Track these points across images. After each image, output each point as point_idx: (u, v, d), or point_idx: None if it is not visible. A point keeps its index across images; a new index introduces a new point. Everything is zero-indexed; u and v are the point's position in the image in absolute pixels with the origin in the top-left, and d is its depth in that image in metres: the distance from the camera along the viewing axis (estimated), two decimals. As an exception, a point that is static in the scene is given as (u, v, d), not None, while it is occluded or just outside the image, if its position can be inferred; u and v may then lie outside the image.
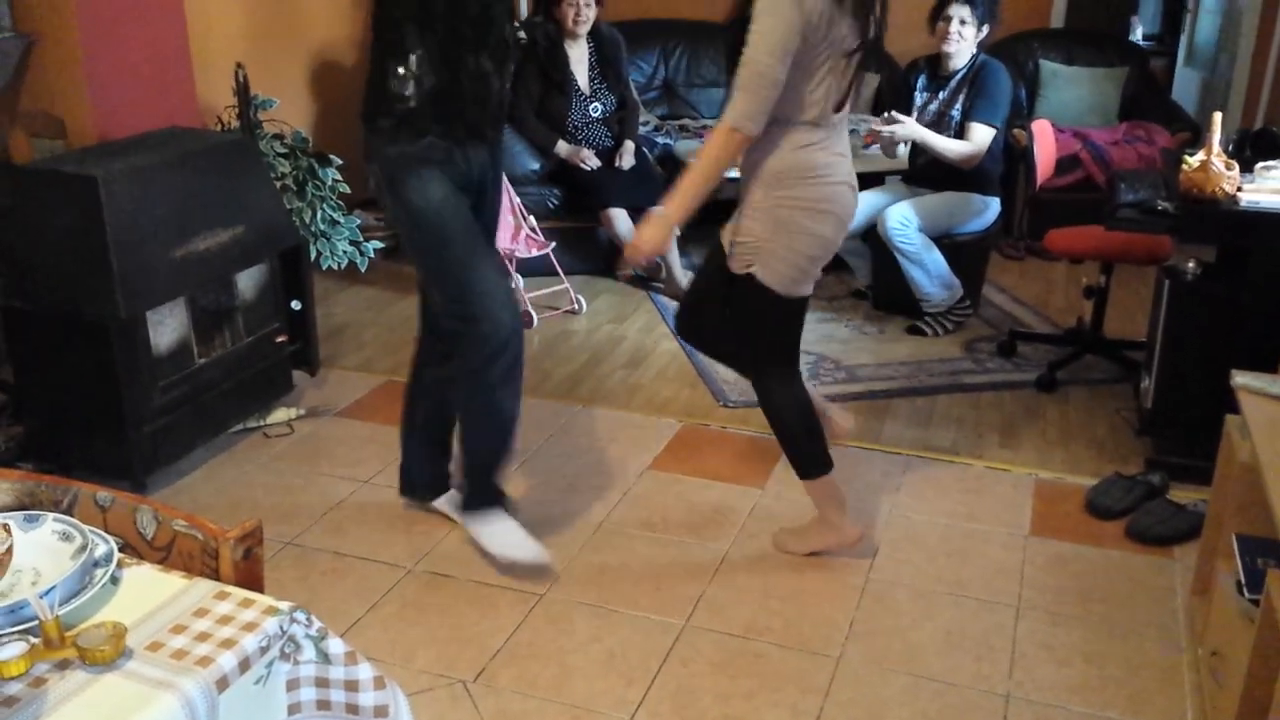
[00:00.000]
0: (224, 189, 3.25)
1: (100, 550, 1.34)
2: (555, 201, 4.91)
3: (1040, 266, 5.16)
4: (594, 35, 4.82)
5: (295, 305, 3.60)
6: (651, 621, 2.62)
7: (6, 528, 1.31)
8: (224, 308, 3.31)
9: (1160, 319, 3.36)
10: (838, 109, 2.54)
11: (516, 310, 2.65)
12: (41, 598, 1.21)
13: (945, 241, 4.31)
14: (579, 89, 4.86)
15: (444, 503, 2.98)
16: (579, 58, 4.83)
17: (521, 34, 5.63)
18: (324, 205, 4.30)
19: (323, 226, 4.33)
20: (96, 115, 3.37)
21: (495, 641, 2.53)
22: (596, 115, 4.90)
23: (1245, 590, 2.21)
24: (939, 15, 4.20)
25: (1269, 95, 5.66)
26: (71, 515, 1.45)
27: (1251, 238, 3.07)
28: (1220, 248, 3.43)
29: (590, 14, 4.71)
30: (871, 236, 4.42)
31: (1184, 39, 7.37)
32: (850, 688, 2.40)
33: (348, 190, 4.41)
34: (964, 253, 4.37)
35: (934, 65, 4.34)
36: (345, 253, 4.47)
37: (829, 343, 4.26)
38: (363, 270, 4.62)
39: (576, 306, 4.60)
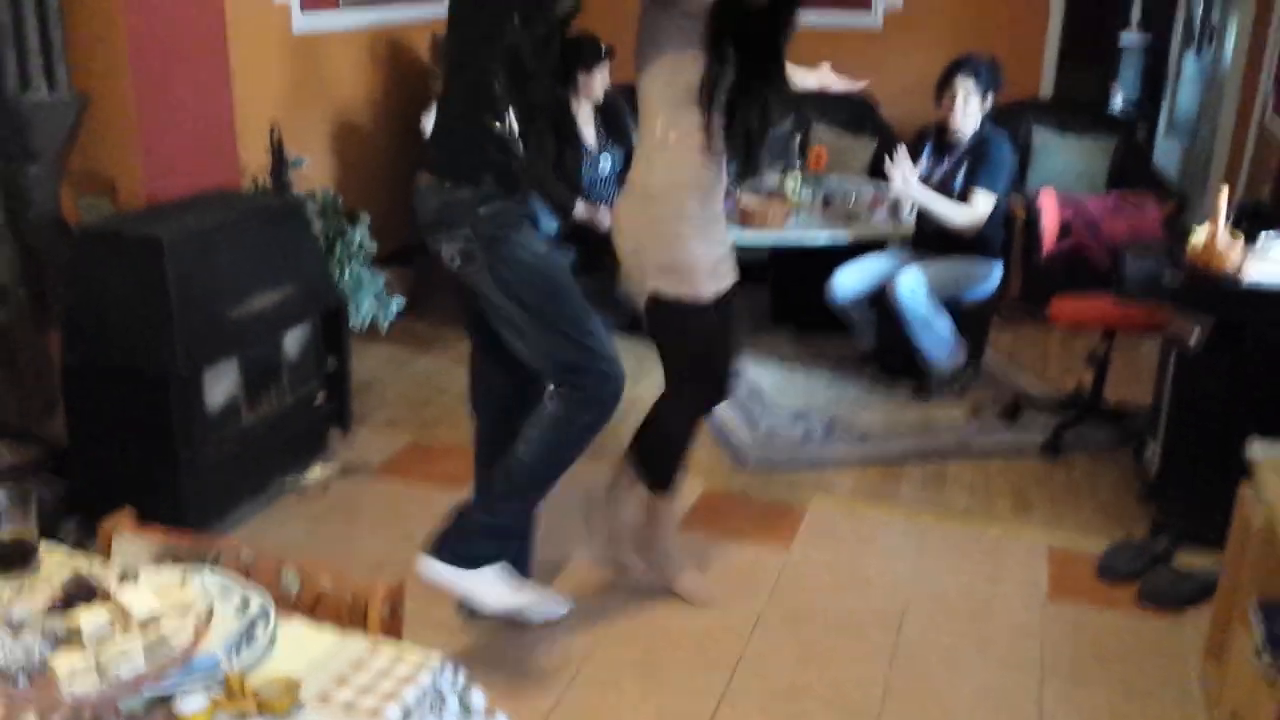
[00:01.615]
0: (273, 250, 3.36)
1: (256, 605, 1.44)
2: (572, 260, 5.04)
3: (1036, 330, 5.35)
4: (596, 96, 5.02)
5: (331, 363, 3.70)
6: (697, 681, 2.72)
7: (203, 616, 1.39)
8: (271, 366, 3.40)
9: (1166, 386, 3.53)
10: None
11: (623, 366, 2.64)
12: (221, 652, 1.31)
13: (950, 306, 4.48)
14: (587, 147, 5.03)
15: None
16: (585, 118, 5.01)
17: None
18: (352, 263, 4.40)
19: (350, 285, 4.43)
20: (147, 176, 3.47)
21: (546, 702, 2.62)
22: (606, 172, 5.06)
23: (1263, 654, 2.35)
24: (945, 87, 4.39)
25: (1249, 166, 5.91)
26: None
27: (1256, 311, 3.25)
28: (1221, 319, 3.61)
29: (606, 83, 4.90)
30: (875, 301, 4.58)
31: (1165, 108, 7.67)
32: (893, 745, 2.51)
33: (374, 248, 4.52)
34: (968, 317, 4.54)
35: (940, 134, 4.53)
36: (369, 311, 4.57)
37: (840, 405, 4.41)
38: (385, 328, 4.73)
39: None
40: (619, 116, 5.10)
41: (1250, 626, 2.44)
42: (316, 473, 3.62)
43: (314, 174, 4.60)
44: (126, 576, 1.39)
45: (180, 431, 3.00)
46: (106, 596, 1.32)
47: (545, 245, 2.56)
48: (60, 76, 3.35)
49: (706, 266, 2.83)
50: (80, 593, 1.33)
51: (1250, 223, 3.70)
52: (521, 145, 2.46)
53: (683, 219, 2.78)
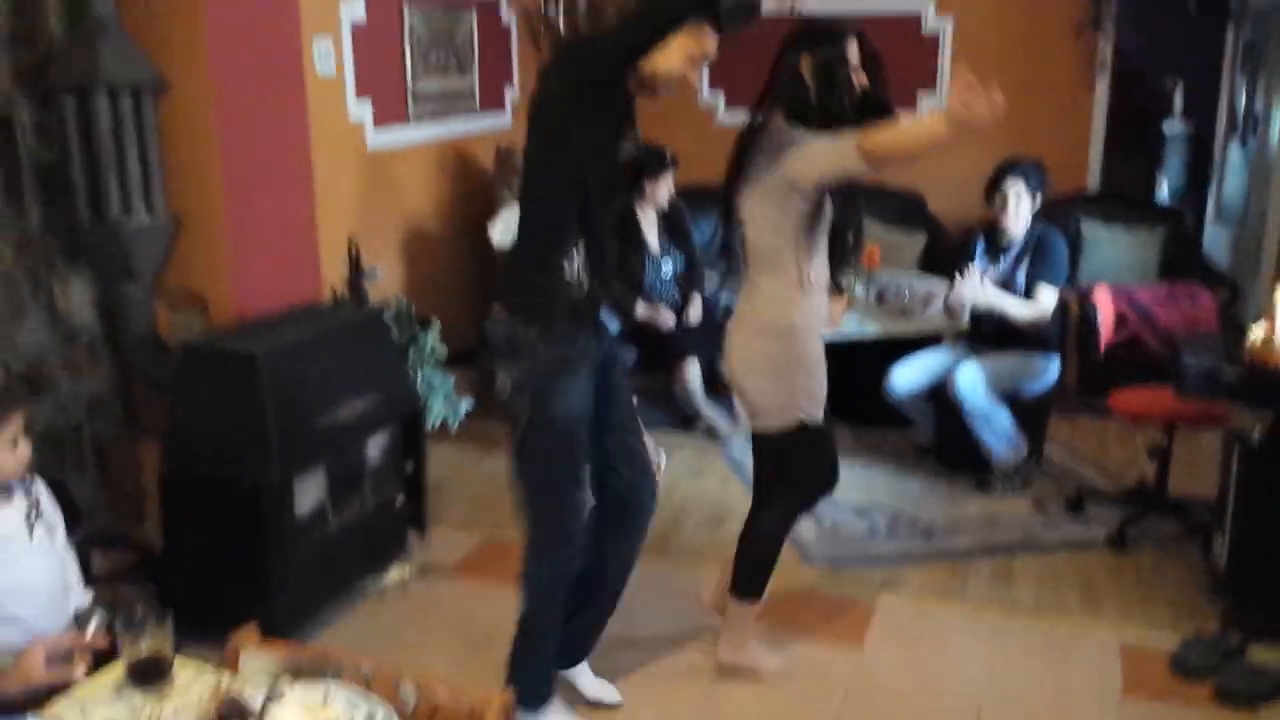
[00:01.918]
0: (357, 360, 3.52)
1: (381, 717, 1.54)
2: (633, 359, 5.18)
3: (1095, 422, 5.37)
4: (660, 202, 5.21)
5: (410, 467, 3.83)
6: (778, 782, 2.76)
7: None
8: (355, 473, 3.54)
9: (1230, 482, 3.56)
10: None
11: (582, 542, 2.82)
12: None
13: (1009, 399, 4.54)
14: (650, 251, 5.20)
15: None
16: (649, 222, 5.21)
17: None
18: (424, 368, 4.55)
19: (422, 388, 4.58)
20: (237, 292, 3.65)
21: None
22: (668, 275, 5.23)
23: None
24: (996, 189, 4.51)
25: (1301, 255, 5.96)
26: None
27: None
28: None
29: (671, 189, 5.10)
30: (932, 394, 4.66)
31: (1211, 196, 7.73)
32: None
33: (444, 352, 4.67)
34: (1027, 410, 4.60)
35: (990, 235, 4.64)
36: (439, 412, 4.71)
37: (902, 499, 4.46)
38: (453, 429, 4.86)
39: (659, 461, 4.82)
40: (682, 222, 5.30)
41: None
42: (395, 574, 3.72)
43: (387, 283, 4.79)
44: (274, 696, 1.49)
45: (271, 539, 3.13)
46: (258, 716, 1.42)
47: (581, 402, 2.68)
48: (157, 200, 3.55)
49: (824, 392, 3.03)
50: (233, 713, 1.43)
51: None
52: (589, 277, 2.62)
53: (821, 355, 3.01)
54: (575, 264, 2.60)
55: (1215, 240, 7.43)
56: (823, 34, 2.91)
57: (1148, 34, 8.15)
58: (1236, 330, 3.60)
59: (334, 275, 4.36)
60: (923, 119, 2.67)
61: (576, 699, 3.06)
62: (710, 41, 2.53)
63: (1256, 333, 3.44)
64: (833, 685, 3.20)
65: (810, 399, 3.02)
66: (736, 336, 3.04)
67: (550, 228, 2.60)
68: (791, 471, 3.12)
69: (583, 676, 3.10)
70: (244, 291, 3.68)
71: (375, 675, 1.71)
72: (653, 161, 5.08)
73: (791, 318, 2.94)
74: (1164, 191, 8.47)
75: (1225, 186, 7.55)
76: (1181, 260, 6.05)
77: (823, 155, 2.78)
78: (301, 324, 3.47)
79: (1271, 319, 3.41)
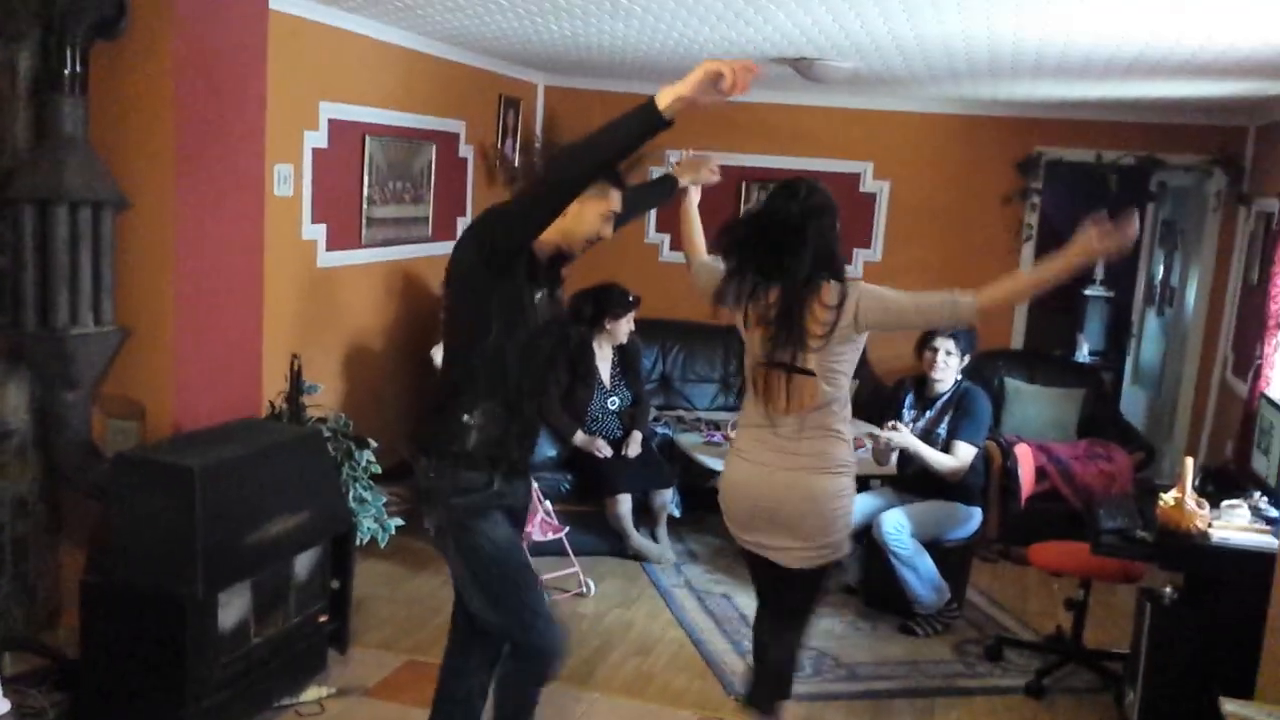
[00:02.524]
0: (294, 477, 3.53)
1: None
2: (567, 486, 5.23)
3: (1014, 571, 5.49)
4: (618, 338, 5.36)
5: (335, 584, 3.80)
6: None
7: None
8: (281, 588, 3.51)
9: (1143, 638, 3.67)
10: None
11: (562, 633, 2.93)
12: None
13: (932, 546, 4.65)
14: (601, 383, 5.33)
15: None
16: (604, 355, 5.35)
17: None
18: (357, 485, 4.56)
19: (353, 505, 4.57)
20: (177, 404, 3.67)
21: None
22: (613, 408, 5.34)
23: None
24: (926, 345, 4.72)
25: (1212, 421, 6.23)
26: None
27: (1223, 569, 3.44)
28: (1191, 575, 3.79)
29: (630, 328, 5.27)
30: (858, 536, 4.75)
31: (1129, 360, 8.09)
32: None
33: (379, 471, 4.68)
34: (950, 557, 4.71)
35: (919, 386, 4.83)
36: (369, 529, 4.69)
37: (827, 639, 4.50)
38: (382, 545, 4.83)
39: (585, 589, 4.83)
40: (635, 360, 5.48)
41: None
42: (312, 693, 3.65)
43: (327, 399, 4.81)
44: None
45: (192, 652, 3.08)
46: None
47: (506, 532, 2.83)
48: (106, 311, 3.55)
49: None
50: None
51: (1216, 485, 3.96)
52: (501, 431, 2.77)
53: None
54: (483, 416, 2.75)
55: (1132, 401, 7.74)
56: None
57: (1071, 207, 8.61)
58: (1150, 492, 3.77)
59: (274, 390, 4.39)
60: (1023, 271, 2.87)
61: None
62: (616, 198, 2.79)
63: (1168, 497, 3.60)
64: (753, 825, 3.18)
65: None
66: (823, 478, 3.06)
67: (462, 381, 2.77)
68: (818, 599, 3.28)
69: None
70: (184, 403, 3.69)
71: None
72: (616, 301, 5.27)
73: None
74: (1084, 353, 8.83)
75: (1143, 352, 7.91)
76: (1100, 419, 6.30)
77: (930, 306, 2.99)
78: (238, 438, 3.48)
79: (1182, 485, 3.58)
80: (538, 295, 2.77)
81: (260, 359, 4.03)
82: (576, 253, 2.84)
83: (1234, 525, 3.57)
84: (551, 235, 2.71)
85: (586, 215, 2.73)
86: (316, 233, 4.94)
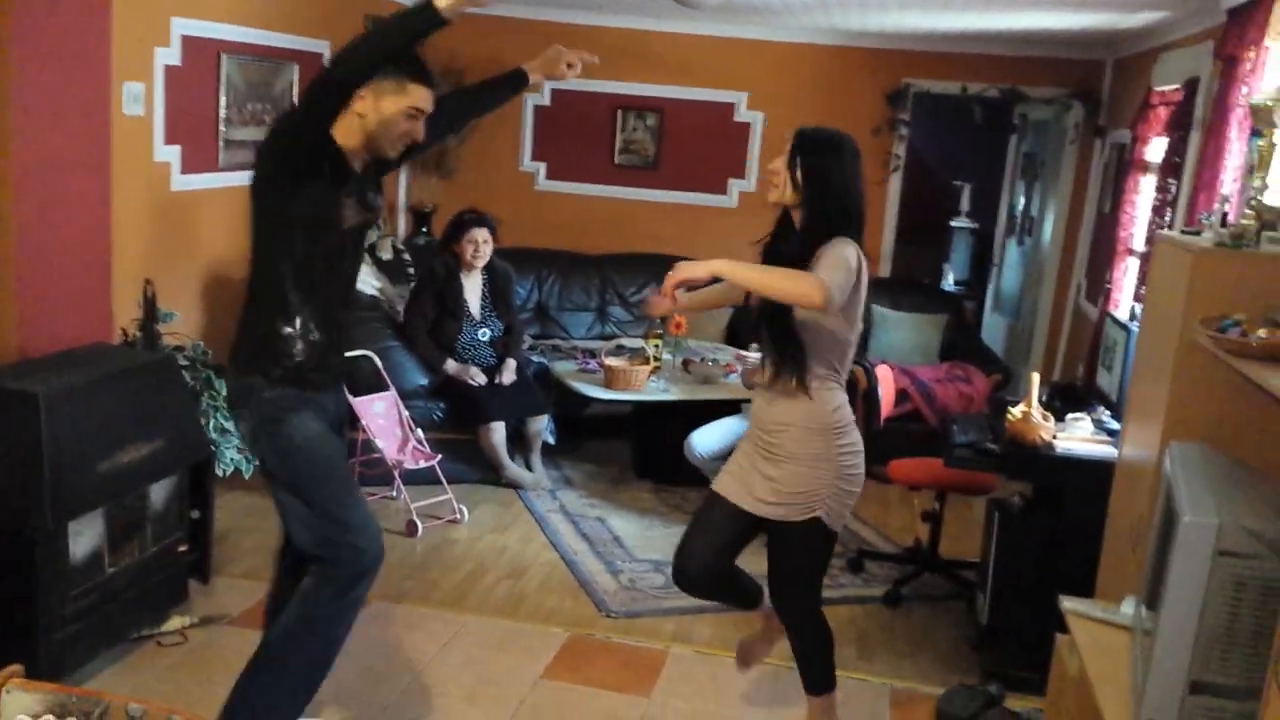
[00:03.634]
0: (146, 405, 3.42)
1: (146, 758, 1.51)
2: (440, 414, 5.19)
3: (876, 488, 5.67)
4: (488, 268, 5.31)
5: (195, 514, 3.71)
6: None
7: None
8: (136, 518, 3.41)
9: (991, 545, 3.85)
10: None
11: (382, 540, 2.83)
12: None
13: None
14: (470, 315, 5.28)
15: None
16: (473, 287, 5.29)
17: (406, 255, 6.04)
18: (217, 414, 4.44)
19: (214, 435, 4.46)
20: (22, 328, 3.50)
21: None
22: (485, 339, 5.30)
23: (1080, 789, 2.57)
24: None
25: (1066, 344, 6.51)
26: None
27: (1066, 478, 3.62)
28: (1038, 484, 3.98)
29: (487, 250, 5.20)
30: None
31: (991, 288, 8.37)
32: None
33: (243, 400, 4.57)
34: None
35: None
36: (233, 460, 4.58)
37: (697, 558, 4.59)
38: (247, 477, 4.73)
39: (459, 516, 4.82)
40: (505, 288, 5.40)
41: (1068, 763, 2.67)
42: (173, 623, 3.58)
43: (183, 327, 4.66)
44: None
45: (42, 584, 2.98)
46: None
47: (320, 428, 2.75)
48: (-63, 227, 3.39)
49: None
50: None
51: (1063, 400, 4.15)
52: (315, 335, 2.72)
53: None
54: (297, 324, 2.70)
55: (993, 327, 8.03)
56: None
57: (939, 140, 8.84)
58: (1002, 409, 3.93)
59: (126, 317, 4.22)
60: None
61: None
62: (422, 95, 2.67)
63: (1015, 411, 3.76)
64: (619, 734, 3.26)
65: None
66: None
67: (270, 292, 2.71)
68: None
69: None
70: (28, 328, 3.52)
71: (145, 716, 1.67)
72: (462, 223, 5.19)
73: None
74: (949, 281, 9.11)
75: (1003, 280, 8.19)
76: (961, 344, 6.52)
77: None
78: (86, 364, 3.35)
79: (1029, 399, 3.74)
80: (347, 200, 2.71)
81: (109, 283, 3.87)
82: (389, 155, 2.75)
83: (1077, 437, 3.75)
84: (355, 137, 2.65)
85: (387, 113, 2.63)
86: (170, 154, 4.73)
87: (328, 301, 2.74)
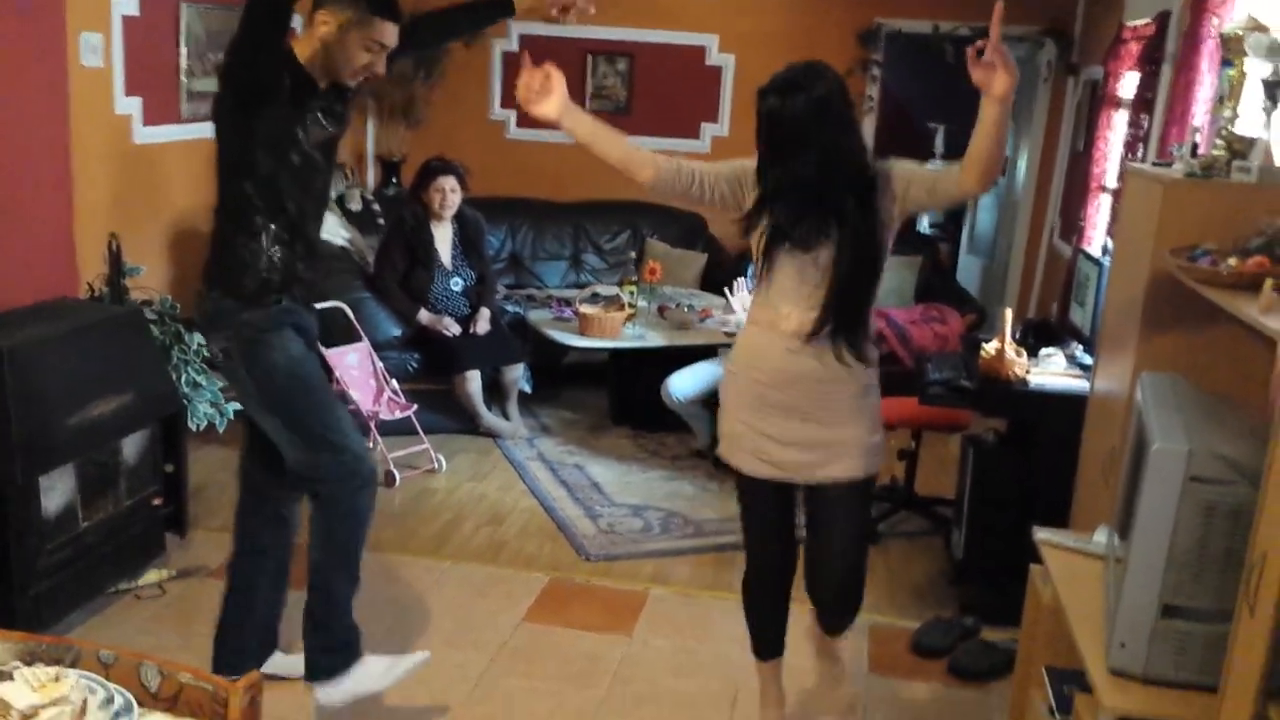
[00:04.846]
0: (114, 359, 3.38)
1: (120, 700, 1.51)
2: (415, 365, 5.16)
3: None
4: (458, 217, 5.25)
5: (169, 468, 3.69)
6: (542, 766, 2.81)
7: (78, 708, 1.45)
8: (108, 472, 3.38)
9: (966, 480, 3.88)
10: None
11: (369, 454, 2.84)
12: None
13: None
14: (442, 265, 5.23)
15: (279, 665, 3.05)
16: (444, 237, 5.23)
17: (375, 206, 5.96)
18: (189, 369, 4.40)
19: (186, 390, 4.42)
20: (-16, 282, 3.45)
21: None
22: (457, 289, 5.26)
23: (1056, 713, 2.61)
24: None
25: (1040, 283, 6.53)
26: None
27: (1040, 413, 3.64)
28: (1012, 420, 4.00)
29: (455, 199, 5.14)
30: (708, 401, 4.85)
31: (966, 230, 8.38)
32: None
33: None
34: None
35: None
36: (206, 414, 4.55)
37: (676, 499, 4.62)
38: (220, 431, 4.70)
39: (437, 465, 4.81)
40: (477, 237, 5.35)
41: (1043, 690, 2.71)
42: (151, 576, 3.57)
43: (151, 281, 4.59)
44: (3, 674, 1.45)
45: (15, 537, 2.96)
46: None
47: (301, 348, 2.75)
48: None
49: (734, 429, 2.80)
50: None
51: (1036, 337, 4.16)
52: (285, 254, 2.71)
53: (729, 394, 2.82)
54: (263, 240, 2.68)
55: (968, 269, 8.04)
56: None
57: (913, 82, 8.77)
58: (976, 346, 3.94)
59: (92, 272, 4.16)
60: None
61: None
62: (384, 29, 2.64)
63: (989, 347, 3.77)
64: (602, 669, 3.29)
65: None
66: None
67: (238, 210, 2.69)
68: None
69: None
70: (-9, 282, 3.47)
71: (116, 661, 1.66)
72: (426, 172, 5.13)
73: None
74: (925, 224, 9.09)
75: (978, 222, 8.19)
76: (936, 285, 6.53)
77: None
78: (52, 319, 3.31)
79: (1002, 335, 3.75)
80: (311, 116, 2.69)
81: (71, 238, 3.81)
82: (348, 83, 2.72)
83: (1050, 372, 3.77)
84: (312, 61, 2.64)
85: (347, 43, 2.61)
86: (131, 106, 4.64)
87: (295, 218, 2.72)
